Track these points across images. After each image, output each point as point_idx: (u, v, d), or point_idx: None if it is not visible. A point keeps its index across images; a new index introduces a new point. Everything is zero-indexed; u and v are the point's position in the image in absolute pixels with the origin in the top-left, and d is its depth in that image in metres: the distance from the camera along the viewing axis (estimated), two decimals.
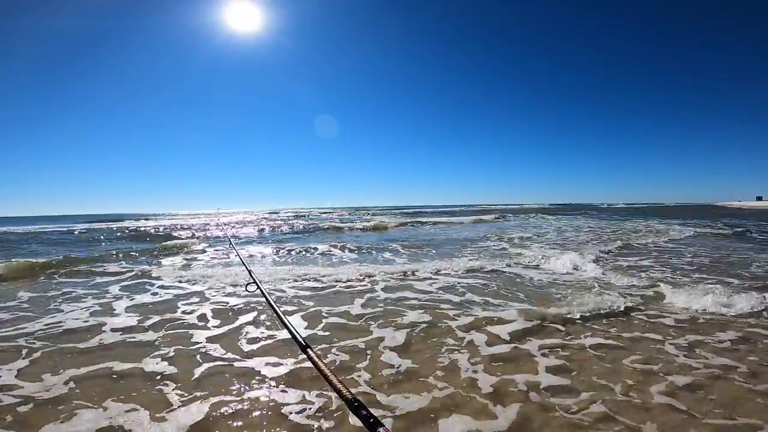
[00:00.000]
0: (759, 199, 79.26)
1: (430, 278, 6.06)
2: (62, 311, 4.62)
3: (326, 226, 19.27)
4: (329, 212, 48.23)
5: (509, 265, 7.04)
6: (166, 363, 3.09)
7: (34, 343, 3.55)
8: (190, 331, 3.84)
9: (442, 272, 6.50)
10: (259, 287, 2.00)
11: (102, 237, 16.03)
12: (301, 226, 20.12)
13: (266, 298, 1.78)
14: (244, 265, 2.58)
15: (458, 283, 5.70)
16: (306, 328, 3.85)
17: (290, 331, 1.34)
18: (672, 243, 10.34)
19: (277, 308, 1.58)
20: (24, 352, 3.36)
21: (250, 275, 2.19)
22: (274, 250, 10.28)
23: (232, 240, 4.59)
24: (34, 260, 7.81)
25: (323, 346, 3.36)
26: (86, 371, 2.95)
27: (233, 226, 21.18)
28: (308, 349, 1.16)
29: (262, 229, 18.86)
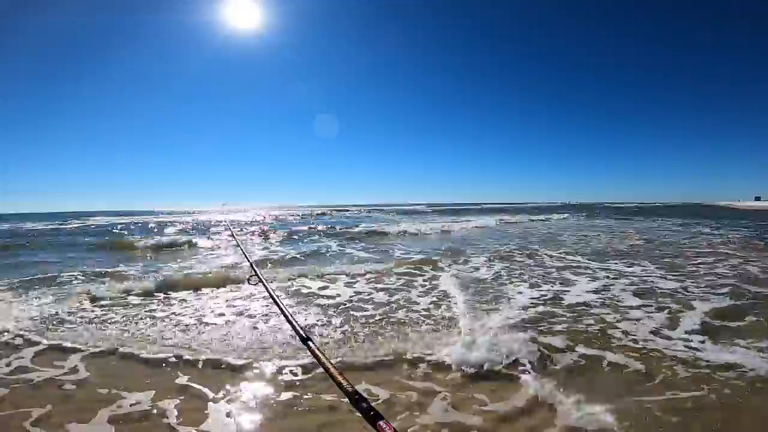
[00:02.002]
0: (758, 199, 78.52)
1: None
2: None
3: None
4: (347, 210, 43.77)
5: None
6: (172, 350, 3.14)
7: None
8: (192, 326, 3.87)
9: None
10: (261, 281, 2.01)
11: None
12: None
13: (269, 292, 1.78)
14: (246, 258, 2.59)
15: None
16: None
17: (292, 324, 1.35)
18: None
19: (279, 301, 1.59)
20: None
21: (252, 268, 2.19)
22: None
23: (234, 231, 4.61)
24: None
25: None
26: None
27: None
28: (309, 342, 1.17)
29: None
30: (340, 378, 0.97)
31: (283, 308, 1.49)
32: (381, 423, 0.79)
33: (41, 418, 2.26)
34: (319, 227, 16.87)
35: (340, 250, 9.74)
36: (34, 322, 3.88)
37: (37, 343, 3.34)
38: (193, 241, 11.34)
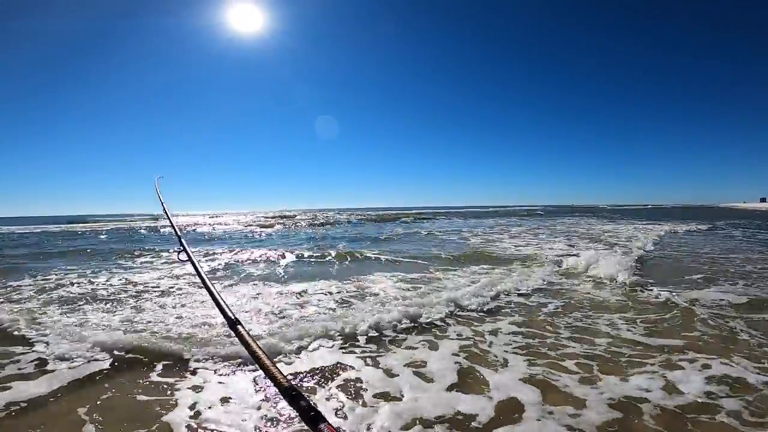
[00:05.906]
0: (763, 200, 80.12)
1: None
2: None
3: None
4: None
5: None
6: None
7: None
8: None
9: None
10: (189, 257, 1.74)
11: None
12: None
13: (196, 269, 1.52)
14: (175, 231, 2.26)
15: None
16: None
17: (219, 306, 1.14)
18: None
19: (207, 280, 1.35)
20: None
21: (180, 243, 1.89)
22: None
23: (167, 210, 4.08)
24: None
25: None
26: None
27: None
28: (238, 326, 0.97)
29: None
30: (273, 370, 0.79)
31: (211, 288, 1.27)
32: (321, 426, 0.63)
33: None
34: None
35: None
36: None
37: None
38: None
